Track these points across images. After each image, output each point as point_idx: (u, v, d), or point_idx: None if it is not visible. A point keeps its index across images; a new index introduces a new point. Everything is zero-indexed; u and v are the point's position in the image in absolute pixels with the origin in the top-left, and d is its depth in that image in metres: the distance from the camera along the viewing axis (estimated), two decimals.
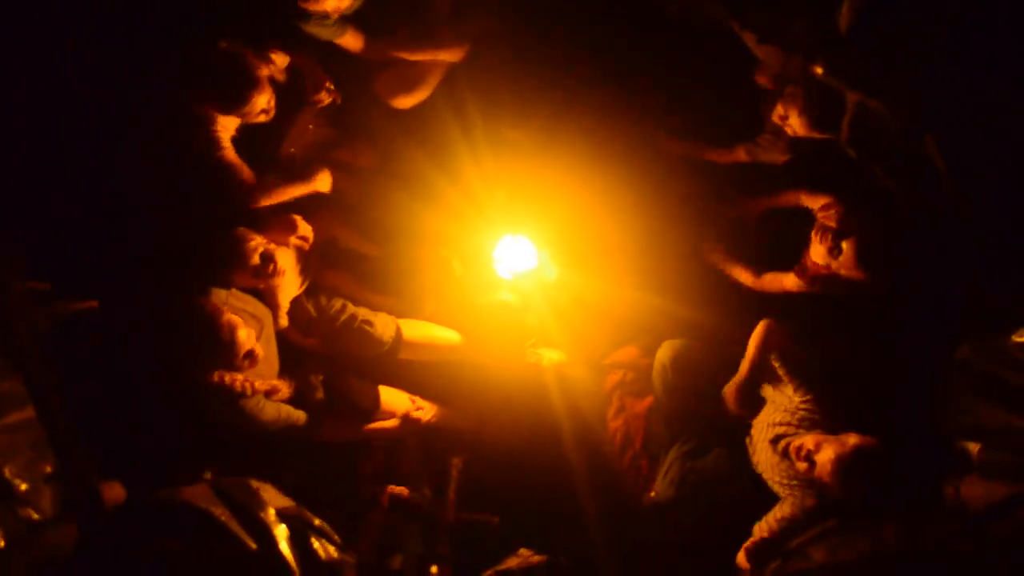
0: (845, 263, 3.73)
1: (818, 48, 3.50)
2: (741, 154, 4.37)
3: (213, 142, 3.71)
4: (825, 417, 3.56)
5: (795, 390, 3.65)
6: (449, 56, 4.43)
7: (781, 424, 3.62)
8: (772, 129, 4.12)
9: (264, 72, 3.71)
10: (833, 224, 3.79)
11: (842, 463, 3.27)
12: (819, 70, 3.49)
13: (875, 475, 3.30)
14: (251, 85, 3.66)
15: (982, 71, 3.11)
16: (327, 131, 4.42)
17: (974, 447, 3.42)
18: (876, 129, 3.54)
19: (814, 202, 3.97)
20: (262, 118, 3.81)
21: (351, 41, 4.07)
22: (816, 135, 3.79)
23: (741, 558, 3.55)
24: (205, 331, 3.37)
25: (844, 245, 3.71)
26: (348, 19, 3.97)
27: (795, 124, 3.79)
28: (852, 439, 3.32)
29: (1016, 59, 3.01)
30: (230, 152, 3.75)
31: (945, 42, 3.10)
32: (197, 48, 3.70)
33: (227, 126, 3.78)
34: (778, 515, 3.56)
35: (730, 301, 4.31)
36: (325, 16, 3.85)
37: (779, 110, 3.84)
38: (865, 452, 3.29)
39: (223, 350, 3.40)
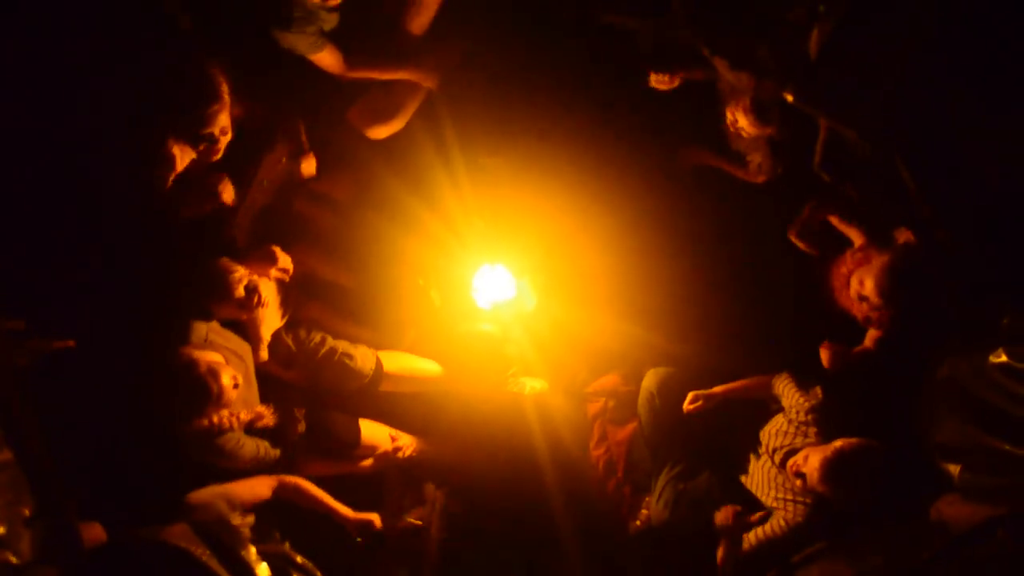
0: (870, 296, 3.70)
1: (788, 73, 3.54)
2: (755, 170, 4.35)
3: (165, 162, 3.60)
4: (820, 428, 3.59)
5: (794, 412, 3.68)
6: (426, 80, 4.41)
7: (779, 438, 3.66)
8: (742, 148, 4.17)
9: (226, 90, 3.65)
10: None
11: (828, 464, 3.31)
12: (790, 97, 3.52)
13: (861, 473, 3.33)
14: (213, 99, 3.58)
15: (952, 93, 3.15)
16: (301, 163, 4.41)
17: (955, 468, 3.44)
18: (848, 151, 3.58)
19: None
20: (221, 140, 3.73)
21: (328, 59, 3.99)
22: (763, 130, 3.87)
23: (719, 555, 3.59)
24: (189, 384, 3.36)
25: (868, 281, 3.68)
26: (326, 37, 3.93)
27: (744, 124, 3.89)
28: (837, 443, 3.37)
29: (985, 81, 3.06)
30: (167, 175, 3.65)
31: (915, 65, 3.14)
32: (167, 62, 3.68)
33: (184, 151, 3.68)
34: (766, 529, 3.58)
35: (712, 329, 4.32)
36: (315, 18, 3.79)
37: (728, 116, 3.94)
38: (849, 451, 3.33)
39: (207, 399, 3.39)
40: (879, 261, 3.54)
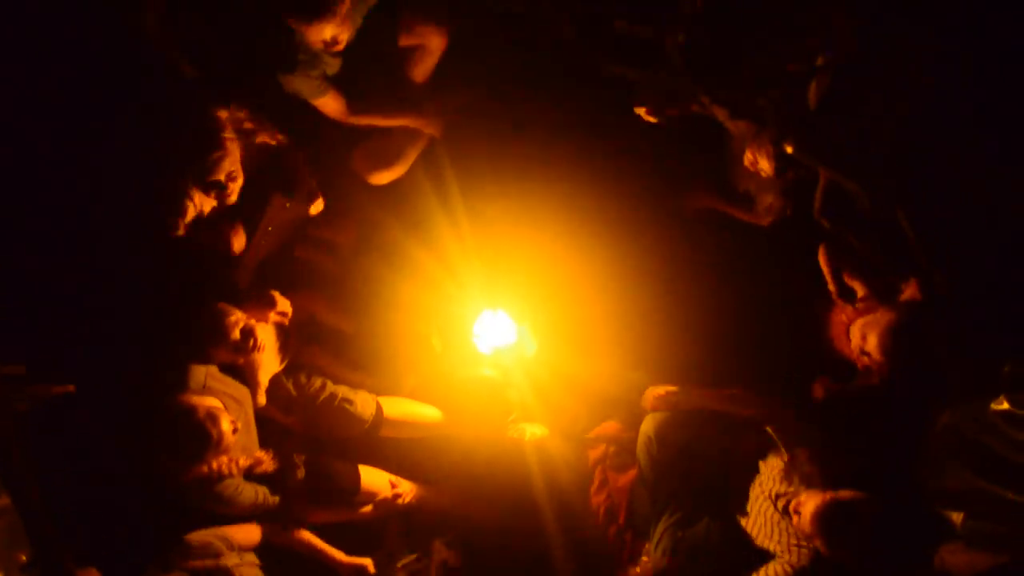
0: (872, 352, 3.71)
1: (788, 125, 3.57)
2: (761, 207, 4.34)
3: (176, 209, 3.62)
4: (822, 476, 3.56)
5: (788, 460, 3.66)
6: (428, 127, 4.46)
7: (782, 484, 3.63)
8: (752, 188, 4.19)
9: (232, 137, 3.69)
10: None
11: (821, 515, 3.26)
12: (790, 148, 3.55)
13: (855, 529, 3.26)
14: (215, 147, 3.63)
15: (953, 144, 3.18)
16: (304, 209, 4.43)
17: (958, 516, 3.42)
18: (848, 200, 3.59)
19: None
20: (230, 187, 3.76)
21: (331, 104, 4.01)
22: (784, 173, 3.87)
23: None
24: (188, 430, 3.36)
25: (871, 337, 3.68)
26: (329, 82, 3.96)
27: (765, 166, 3.87)
28: (840, 493, 3.32)
29: (986, 134, 3.09)
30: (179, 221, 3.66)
31: (916, 116, 3.17)
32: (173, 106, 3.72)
33: (198, 197, 3.70)
34: (770, 573, 3.55)
35: (711, 374, 4.31)
36: (320, 62, 3.81)
37: (748, 156, 3.92)
38: (843, 504, 3.27)
39: (206, 445, 3.38)
40: (884, 318, 3.55)
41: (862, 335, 3.59)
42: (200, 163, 3.62)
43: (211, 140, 3.63)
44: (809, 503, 3.33)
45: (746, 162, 3.99)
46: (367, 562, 3.97)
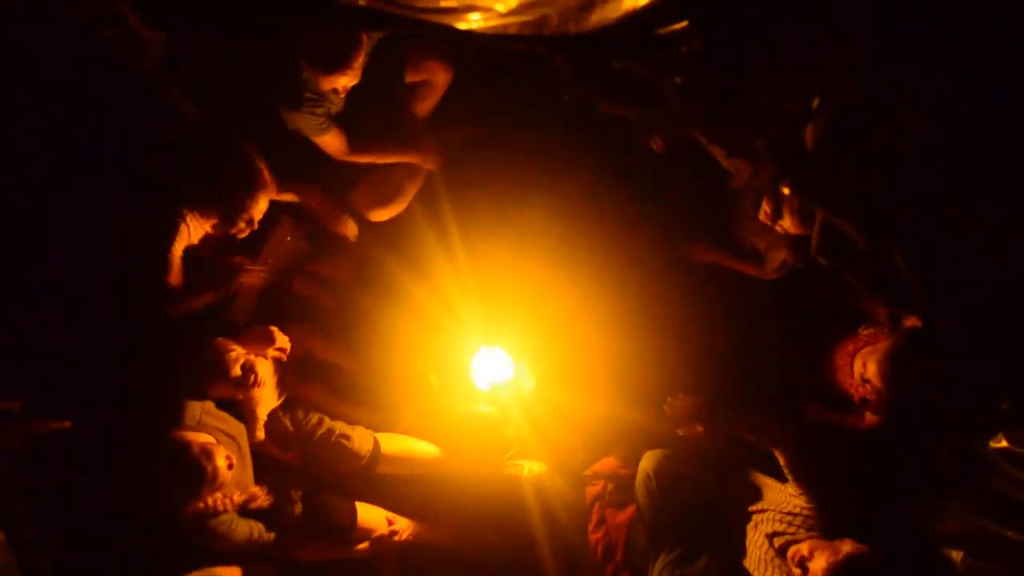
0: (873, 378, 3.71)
1: (785, 165, 3.59)
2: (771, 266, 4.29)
3: (171, 236, 3.66)
4: (822, 519, 3.54)
5: (796, 491, 3.63)
6: (426, 163, 4.49)
7: (780, 524, 3.61)
8: (762, 246, 4.20)
9: (267, 176, 3.75)
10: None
11: (834, 572, 3.25)
12: (786, 189, 3.57)
13: None
14: (259, 186, 3.70)
15: (952, 185, 3.20)
16: (304, 244, 4.45)
17: (957, 554, 3.41)
18: (845, 239, 3.61)
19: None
20: (245, 228, 3.83)
21: (333, 142, 4.04)
22: (806, 230, 3.85)
23: None
24: (183, 466, 3.33)
25: (871, 364, 3.68)
26: (332, 120, 3.98)
27: (789, 224, 3.80)
28: (846, 547, 3.28)
29: (985, 178, 3.10)
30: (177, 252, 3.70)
31: (915, 156, 3.19)
32: (195, 145, 3.75)
33: (197, 229, 3.76)
34: None
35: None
36: (325, 100, 3.84)
37: (765, 210, 3.83)
38: (857, 561, 3.26)
39: (201, 482, 3.36)
40: (885, 346, 3.56)
41: (863, 363, 3.60)
42: (232, 199, 3.70)
43: (248, 180, 3.70)
44: (821, 556, 3.30)
45: (762, 217, 3.91)
46: None
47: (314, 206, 4.30)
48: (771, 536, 3.61)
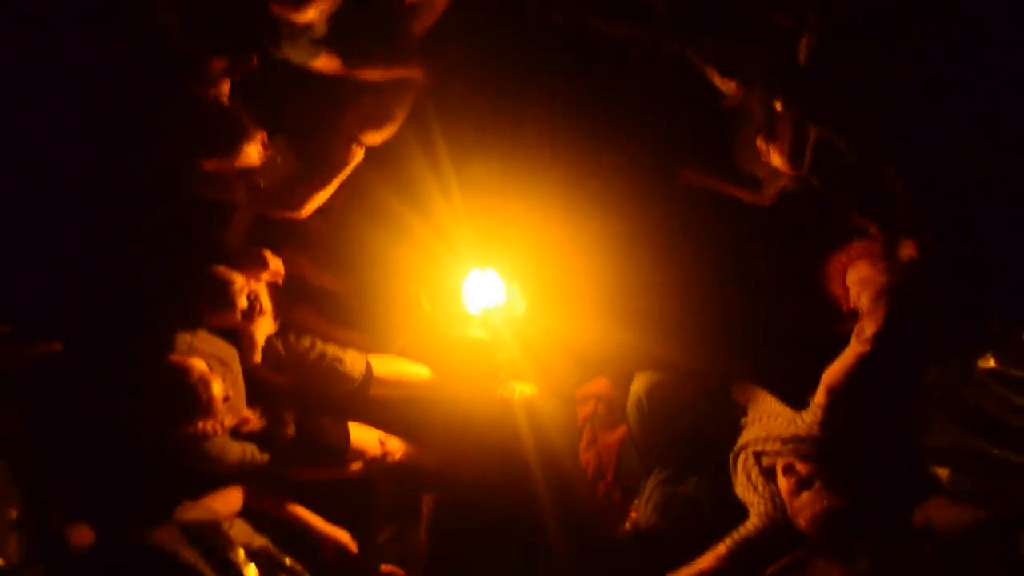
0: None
1: (778, 81, 3.55)
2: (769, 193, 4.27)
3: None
4: (817, 447, 3.57)
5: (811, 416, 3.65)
6: (419, 80, 4.41)
7: (771, 445, 3.64)
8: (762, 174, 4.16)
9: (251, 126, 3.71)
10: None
11: (816, 518, 3.28)
12: (779, 105, 3.53)
13: (844, 526, 3.30)
14: (243, 136, 3.66)
15: (940, 100, 3.17)
16: (292, 164, 4.40)
17: (944, 472, 3.44)
18: (837, 158, 3.59)
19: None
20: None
21: (326, 62, 3.99)
22: (797, 171, 3.83)
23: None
24: (178, 394, 3.34)
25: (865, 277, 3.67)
26: (320, 44, 3.92)
27: (779, 164, 3.80)
28: (828, 498, 3.31)
29: (974, 88, 3.08)
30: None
31: (905, 71, 3.16)
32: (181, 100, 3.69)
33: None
34: (742, 530, 3.58)
35: (701, 333, 4.32)
36: (305, 30, 3.79)
37: (760, 147, 3.83)
38: (838, 512, 3.29)
39: (195, 410, 3.37)
40: (877, 258, 3.56)
41: (856, 274, 3.62)
42: (225, 151, 3.66)
43: (237, 134, 3.66)
44: (805, 498, 3.33)
45: (759, 145, 3.89)
46: (347, 537, 4.02)
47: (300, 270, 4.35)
48: (758, 455, 3.63)
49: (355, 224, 4.64)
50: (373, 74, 4.26)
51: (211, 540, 2.97)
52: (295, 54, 3.88)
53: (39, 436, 3.20)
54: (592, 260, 4.54)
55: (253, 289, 3.73)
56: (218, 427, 3.51)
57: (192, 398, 3.35)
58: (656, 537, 3.85)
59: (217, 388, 3.40)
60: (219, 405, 3.43)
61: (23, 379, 3.45)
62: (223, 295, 3.65)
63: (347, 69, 4.10)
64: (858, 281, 3.65)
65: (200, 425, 3.44)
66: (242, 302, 3.66)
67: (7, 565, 2.81)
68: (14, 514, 2.92)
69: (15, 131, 3.68)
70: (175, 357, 3.45)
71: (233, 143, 3.66)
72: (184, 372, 3.36)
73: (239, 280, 3.70)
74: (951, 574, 3.09)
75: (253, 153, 3.74)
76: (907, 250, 3.64)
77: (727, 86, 3.95)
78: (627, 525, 4.03)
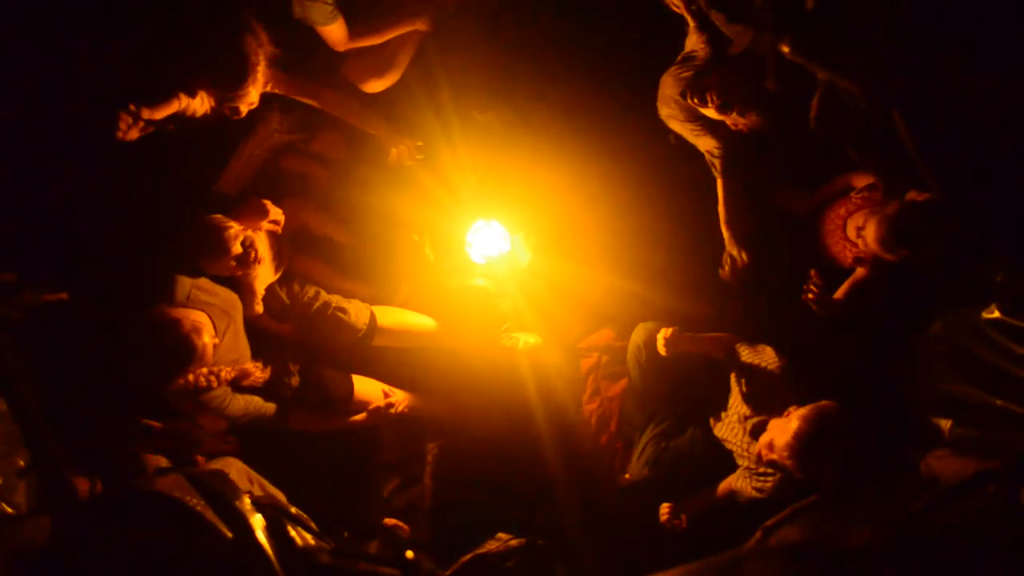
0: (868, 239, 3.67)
1: (785, 26, 3.50)
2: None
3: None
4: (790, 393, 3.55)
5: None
6: (422, 24, 4.35)
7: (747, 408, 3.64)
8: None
9: (259, 63, 3.63)
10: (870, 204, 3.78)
11: (794, 446, 3.21)
12: (786, 48, 3.49)
13: (828, 444, 3.21)
14: (249, 73, 3.57)
15: (948, 48, 3.13)
16: (286, 138, 4.37)
17: (946, 423, 3.46)
18: (845, 107, 3.56)
19: (860, 182, 3.92)
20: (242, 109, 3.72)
21: (337, 31, 3.97)
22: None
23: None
24: (169, 345, 3.33)
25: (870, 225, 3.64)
26: (339, 9, 3.88)
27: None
28: (795, 419, 3.25)
29: (982, 35, 3.04)
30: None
31: (910, 19, 3.12)
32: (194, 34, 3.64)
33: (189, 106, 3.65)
34: (728, 486, 3.66)
35: (703, 285, 4.32)
36: None
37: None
38: (811, 425, 3.22)
39: (188, 360, 3.37)
40: (881, 211, 3.54)
41: (857, 227, 3.60)
42: (228, 80, 3.57)
43: (243, 69, 3.56)
44: (780, 436, 3.28)
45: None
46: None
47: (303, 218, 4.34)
48: (744, 419, 3.62)
49: (359, 174, 4.61)
50: (373, 40, 4.22)
51: (217, 488, 2.98)
52: (315, 13, 3.84)
53: (46, 385, 3.20)
54: (597, 211, 4.53)
55: (249, 236, 3.71)
56: (212, 379, 3.52)
57: (184, 348, 3.34)
58: (648, 489, 3.88)
59: (207, 337, 3.40)
60: (209, 355, 3.43)
61: (27, 327, 3.46)
62: (216, 241, 3.64)
63: (351, 39, 4.10)
64: (861, 225, 3.63)
65: (191, 376, 3.45)
66: (236, 248, 3.64)
67: (14, 513, 2.83)
68: (21, 462, 2.93)
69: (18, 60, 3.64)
70: (164, 308, 3.44)
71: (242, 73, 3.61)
72: (174, 323, 3.36)
73: (234, 226, 3.68)
74: (951, 524, 3.11)
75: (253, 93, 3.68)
76: (911, 197, 3.63)
77: (735, 33, 3.90)
78: (628, 476, 4.06)
